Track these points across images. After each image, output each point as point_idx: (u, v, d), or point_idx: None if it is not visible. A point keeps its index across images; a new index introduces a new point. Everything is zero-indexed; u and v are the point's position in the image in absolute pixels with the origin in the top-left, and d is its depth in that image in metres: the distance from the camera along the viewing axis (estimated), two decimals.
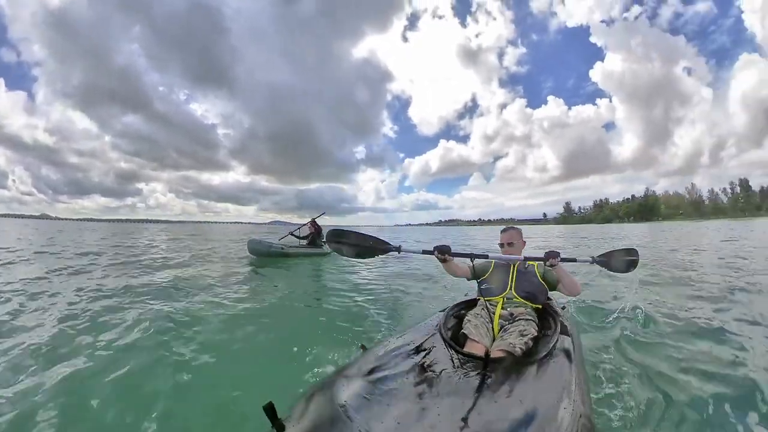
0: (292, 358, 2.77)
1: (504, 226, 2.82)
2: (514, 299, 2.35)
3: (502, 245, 2.70)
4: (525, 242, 2.73)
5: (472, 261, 2.54)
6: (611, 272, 2.80)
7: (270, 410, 1.12)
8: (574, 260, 2.62)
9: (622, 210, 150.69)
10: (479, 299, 2.44)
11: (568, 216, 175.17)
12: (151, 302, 4.46)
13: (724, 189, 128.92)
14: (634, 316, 3.80)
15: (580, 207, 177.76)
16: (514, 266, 2.51)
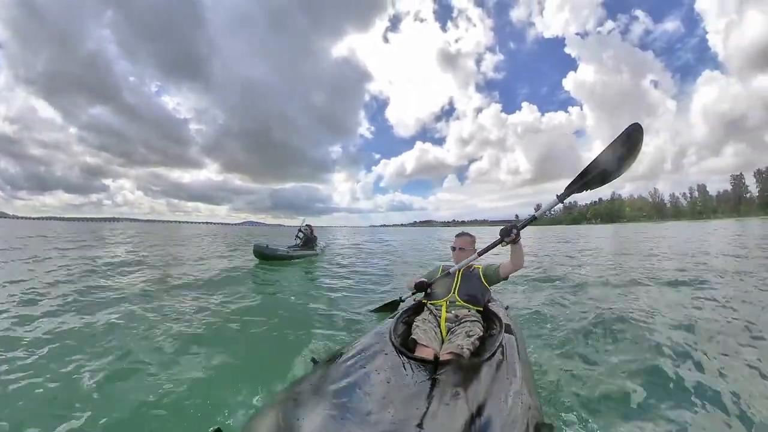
0: (241, 377, 2.57)
1: (459, 231, 2.92)
2: (457, 302, 2.44)
3: (454, 249, 2.80)
4: (476, 250, 2.67)
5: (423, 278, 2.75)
6: (590, 189, 2.22)
7: None
8: (533, 219, 2.29)
9: (590, 212, 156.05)
10: (425, 304, 2.54)
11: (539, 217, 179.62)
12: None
13: (684, 194, 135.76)
14: (571, 312, 4.06)
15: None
16: (459, 271, 2.62)
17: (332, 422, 1.15)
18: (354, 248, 16.03)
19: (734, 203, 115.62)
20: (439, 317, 2.33)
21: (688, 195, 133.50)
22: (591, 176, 2.14)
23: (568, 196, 2.20)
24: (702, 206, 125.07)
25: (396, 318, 2.37)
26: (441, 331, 2.23)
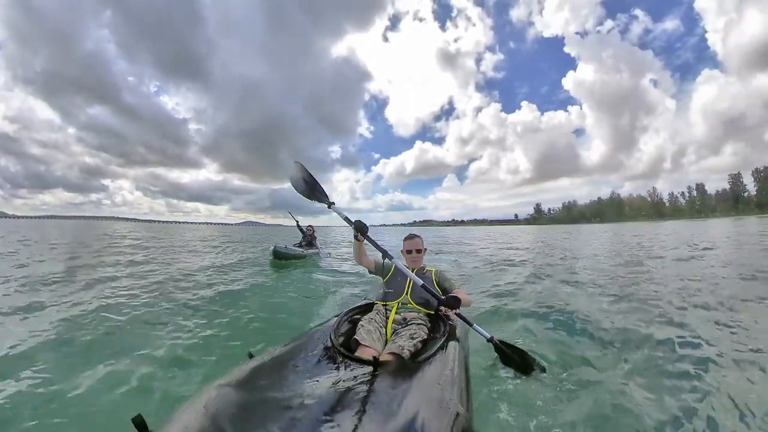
0: (178, 365, 2.63)
1: (408, 233, 2.81)
2: (409, 305, 2.41)
3: (410, 252, 2.68)
4: (426, 249, 2.74)
5: (383, 258, 2.55)
6: (503, 363, 2.47)
7: (139, 423, 1.05)
8: (470, 325, 2.36)
9: (589, 211, 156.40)
10: (375, 303, 2.50)
11: (538, 217, 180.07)
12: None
13: (683, 193, 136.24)
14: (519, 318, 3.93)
15: (549, 208, 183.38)
16: (412, 272, 2.49)
17: (256, 419, 1.13)
18: (348, 245, 16.20)
19: (732, 202, 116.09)
20: (387, 318, 2.30)
21: (687, 194, 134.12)
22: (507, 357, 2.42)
23: (496, 346, 2.43)
24: (700, 205, 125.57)
25: (341, 316, 2.32)
26: (386, 332, 2.20)
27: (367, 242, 2.50)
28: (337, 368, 1.55)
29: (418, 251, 2.68)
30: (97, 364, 2.62)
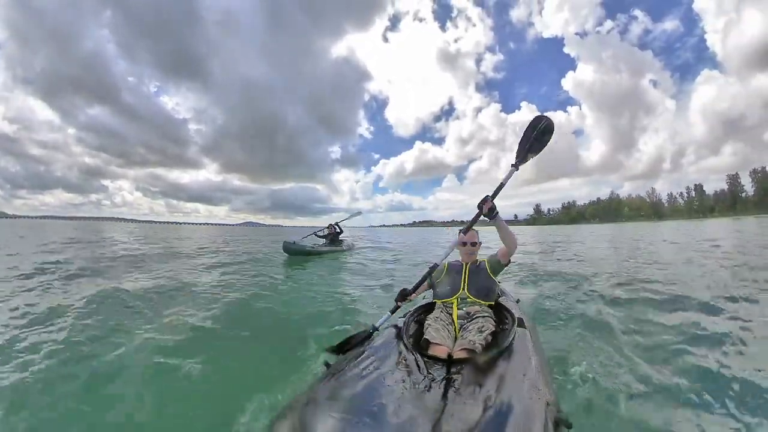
0: (253, 385, 2.44)
1: (466, 227, 2.73)
2: (468, 298, 2.40)
3: (464, 244, 2.67)
4: (481, 243, 2.75)
5: (430, 279, 2.64)
6: (537, 155, 2.74)
7: None
8: (502, 185, 2.57)
9: (588, 212, 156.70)
10: (435, 302, 2.51)
11: (538, 217, 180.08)
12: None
13: (681, 193, 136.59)
14: (584, 303, 4.19)
15: (549, 209, 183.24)
16: (466, 266, 2.57)
17: (348, 426, 1.14)
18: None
19: (731, 202, 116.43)
20: (451, 315, 2.32)
21: (685, 195, 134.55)
22: (529, 143, 2.70)
23: (522, 162, 2.68)
24: (698, 206, 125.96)
25: (407, 317, 2.33)
26: (453, 329, 2.21)
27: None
28: (415, 368, 1.56)
29: (473, 244, 2.67)
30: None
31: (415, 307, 2.58)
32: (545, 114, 2.64)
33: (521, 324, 2.06)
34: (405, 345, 1.81)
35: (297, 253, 9.66)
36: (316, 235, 11.93)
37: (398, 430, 1.12)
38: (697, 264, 7.34)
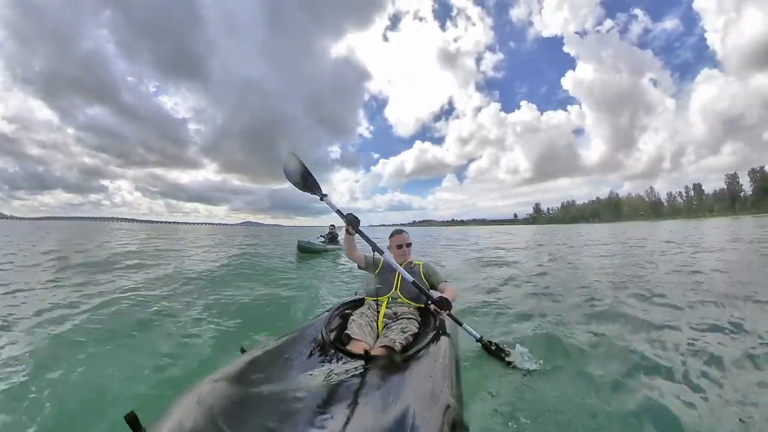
0: (167, 362, 2.65)
1: (395, 229, 2.87)
2: (399, 299, 2.43)
3: (399, 246, 2.71)
4: (410, 244, 2.79)
5: (373, 252, 2.62)
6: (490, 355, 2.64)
7: (132, 421, 1.05)
8: (460, 324, 2.48)
9: (588, 211, 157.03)
10: (365, 299, 2.55)
11: (537, 216, 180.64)
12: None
13: (680, 192, 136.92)
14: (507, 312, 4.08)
15: (548, 208, 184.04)
16: (401, 266, 2.53)
17: (251, 413, 1.13)
18: None
19: (729, 202, 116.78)
20: (377, 313, 2.32)
21: (684, 194, 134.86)
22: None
23: (485, 346, 2.63)
24: (697, 205, 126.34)
25: (332, 311, 2.35)
26: (377, 327, 2.23)
27: (358, 237, 2.59)
28: (330, 362, 1.58)
29: (408, 245, 2.73)
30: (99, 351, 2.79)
31: (343, 301, 2.62)
32: None
33: (443, 329, 2.09)
34: (324, 337, 1.84)
35: (306, 251, 11.28)
36: (322, 236, 13.24)
37: (303, 421, 1.12)
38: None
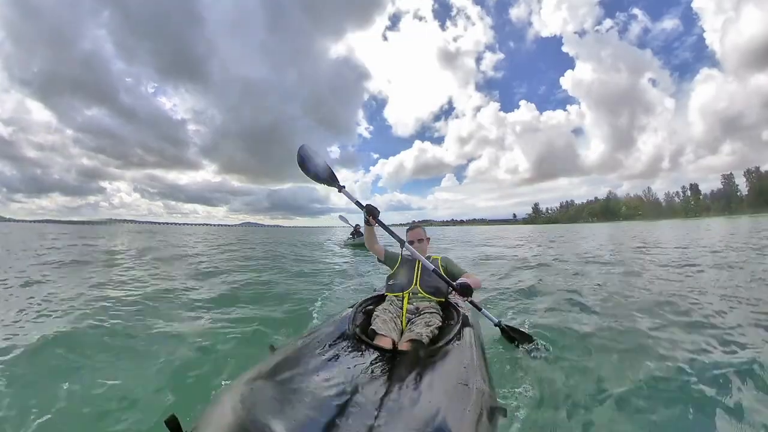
0: (199, 362, 2.61)
1: (411, 224, 2.88)
2: (419, 294, 2.44)
3: (412, 242, 2.72)
4: (429, 238, 2.83)
5: (401, 245, 2.61)
6: (508, 341, 2.72)
7: (173, 423, 1.06)
8: (479, 310, 2.59)
9: (586, 211, 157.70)
10: (386, 295, 2.55)
11: (536, 216, 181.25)
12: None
13: (677, 192, 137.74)
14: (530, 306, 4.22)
15: (547, 208, 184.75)
16: (419, 262, 2.55)
17: (288, 409, 1.15)
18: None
19: (726, 202, 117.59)
20: (401, 308, 2.34)
21: (681, 194, 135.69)
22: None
23: (503, 330, 2.71)
24: (694, 205, 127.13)
25: (355, 307, 2.36)
26: (401, 322, 2.25)
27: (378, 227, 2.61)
28: (360, 357, 1.58)
29: (420, 240, 2.72)
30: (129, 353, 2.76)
31: (365, 298, 2.64)
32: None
33: (466, 322, 2.11)
34: (351, 334, 1.84)
35: (353, 246, 14.17)
36: (350, 236, 15.51)
37: (339, 415, 1.14)
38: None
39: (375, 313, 2.27)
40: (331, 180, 2.75)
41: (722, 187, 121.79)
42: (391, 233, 2.68)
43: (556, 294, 4.73)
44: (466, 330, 2.01)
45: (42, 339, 2.97)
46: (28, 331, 3.29)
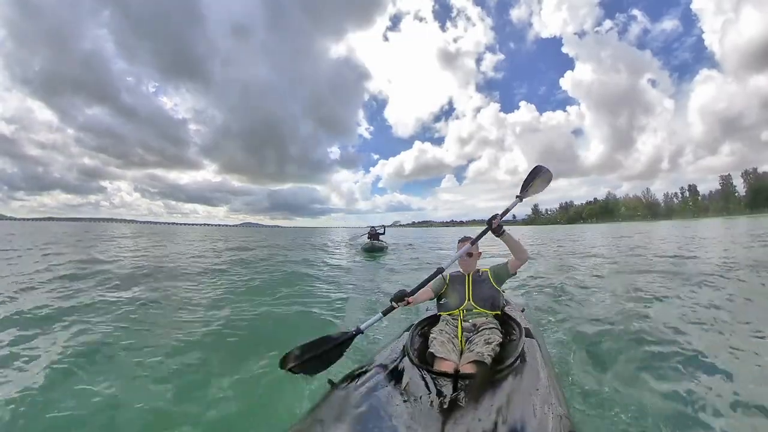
0: (256, 404, 2.45)
1: (463, 236, 2.72)
2: (474, 309, 2.37)
3: (471, 255, 2.60)
4: (480, 253, 2.69)
5: (438, 273, 2.46)
6: (536, 194, 2.72)
7: None
8: (507, 210, 2.51)
9: (585, 212, 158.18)
10: (440, 314, 2.44)
11: (536, 217, 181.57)
12: None
13: (676, 193, 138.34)
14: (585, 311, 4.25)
15: (547, 209, 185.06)
16: (468, 276, 2.51)
17: None
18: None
19: (724, 203, 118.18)
20: (456, 327, 2.26)
21: (680, 195, 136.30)
22: (531, 185, 2.68)
23: (525, 196, 2.67)
24: (693, 206, 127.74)
25: (411, 330, 2.27)
26: (459, 342, 2.15)
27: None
28: (422, 384, 1.51)
29: (469, 254, 2.57)
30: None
31: (419, 320, 2.53)
32: (543, 165, 2.74)
33: (529, 334, 2.01)
34: (411, 360, 1.75)
35: (372, 251, 14.35)
36: (369, 238, 15.79)
37: None
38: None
39: (431, 335, 2.15)
40: (344, 345, 2.08)
41: (720, 188, 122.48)
42: (431, 277, 2.43)
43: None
44: (531, 344, 1.90)
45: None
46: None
